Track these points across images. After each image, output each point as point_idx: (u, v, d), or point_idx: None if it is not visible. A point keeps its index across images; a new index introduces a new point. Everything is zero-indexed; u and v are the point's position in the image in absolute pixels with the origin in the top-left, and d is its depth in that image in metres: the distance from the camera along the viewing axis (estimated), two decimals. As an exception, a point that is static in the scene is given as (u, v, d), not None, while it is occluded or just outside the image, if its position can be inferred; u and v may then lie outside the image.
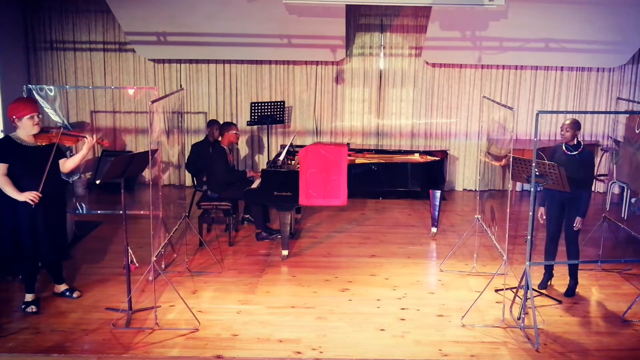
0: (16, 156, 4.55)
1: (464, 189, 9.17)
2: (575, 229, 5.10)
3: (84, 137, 4.84)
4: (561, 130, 5.08)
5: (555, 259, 5.37)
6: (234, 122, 8.94)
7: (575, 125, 5.02)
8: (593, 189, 7.42)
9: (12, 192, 4.50)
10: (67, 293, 5.09)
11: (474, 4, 6.53)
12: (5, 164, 4.52)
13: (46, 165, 4.56)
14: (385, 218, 7.67)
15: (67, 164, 4.86)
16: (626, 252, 6.42)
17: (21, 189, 4.53)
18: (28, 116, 4.55)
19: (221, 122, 7.23)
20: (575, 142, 5.05)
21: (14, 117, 4.56)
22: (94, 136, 4.90)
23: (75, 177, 7.51)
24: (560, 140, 5.27)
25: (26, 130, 4.59)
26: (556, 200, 5.15)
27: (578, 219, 5.06)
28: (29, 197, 4.48)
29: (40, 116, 4.68)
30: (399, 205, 8.24)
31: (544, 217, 5.27)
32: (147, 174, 6.72)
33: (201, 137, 7.85)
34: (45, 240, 4.70)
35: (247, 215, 7.17)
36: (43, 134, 4.68)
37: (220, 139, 6.70)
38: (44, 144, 4.66)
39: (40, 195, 4.51)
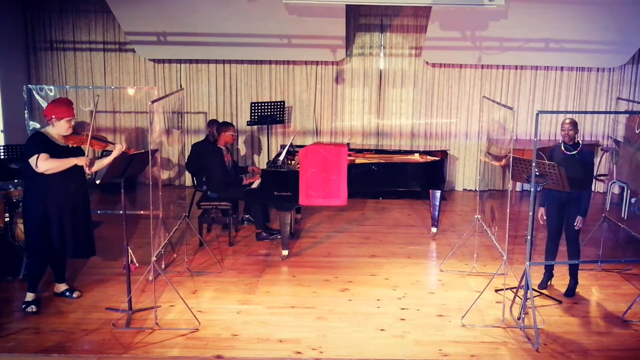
0: (48, 152, 4.63)
1: (464, 189, 9.17)
2: (576, 228, 5.11)
3: (113, 143, 4.98)
4: (562, 130, 5.06)
5: (555, 258, 5.37)
6: (234, 122, 8.97)
7: (576, 124, 5.04)
8: (593, 189, 7.42)
9: (70, 161, 4.64)
10: (67, 293, 5.10)
11: (474, 4, 6.53)
12: (46, 153, 4.60)
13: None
14: (385, 218, 7.67)
15: (92, 167, 4.91)
16: (626, 252, 6.42)
17: (49, 185, 4.62)
18: (67, 119, 4.68)
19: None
20: (574, 142, 5.06)
21: (53, 116, 4.64)
22: (123, 144, 5.04)
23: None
24: (559, 140, 5.26)
25: (60, 130, 4.70)
26: (556, 200, 5.14)
27: (579, 218, 5.06)
28: (86, 162, 4.68)
29: (74, 120, 4.81)
30: (399, 205, 8.24)
31: (544, 217, 5.28)
32: (147, 173, 6.73)
33: (201, 137, 7.85)
34: (71, 236, 4.77)
35: (247, 215, 7.17)
36: (74, 135, 4.80)
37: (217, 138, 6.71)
38: (74, 145, 4.77)
39: (90, 159, 4.74)
